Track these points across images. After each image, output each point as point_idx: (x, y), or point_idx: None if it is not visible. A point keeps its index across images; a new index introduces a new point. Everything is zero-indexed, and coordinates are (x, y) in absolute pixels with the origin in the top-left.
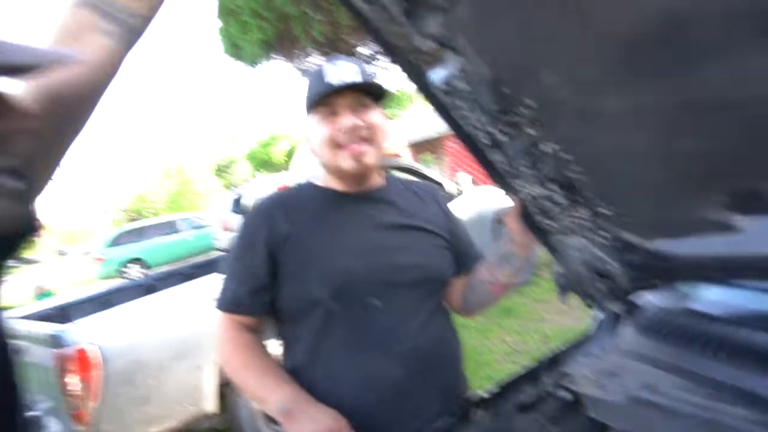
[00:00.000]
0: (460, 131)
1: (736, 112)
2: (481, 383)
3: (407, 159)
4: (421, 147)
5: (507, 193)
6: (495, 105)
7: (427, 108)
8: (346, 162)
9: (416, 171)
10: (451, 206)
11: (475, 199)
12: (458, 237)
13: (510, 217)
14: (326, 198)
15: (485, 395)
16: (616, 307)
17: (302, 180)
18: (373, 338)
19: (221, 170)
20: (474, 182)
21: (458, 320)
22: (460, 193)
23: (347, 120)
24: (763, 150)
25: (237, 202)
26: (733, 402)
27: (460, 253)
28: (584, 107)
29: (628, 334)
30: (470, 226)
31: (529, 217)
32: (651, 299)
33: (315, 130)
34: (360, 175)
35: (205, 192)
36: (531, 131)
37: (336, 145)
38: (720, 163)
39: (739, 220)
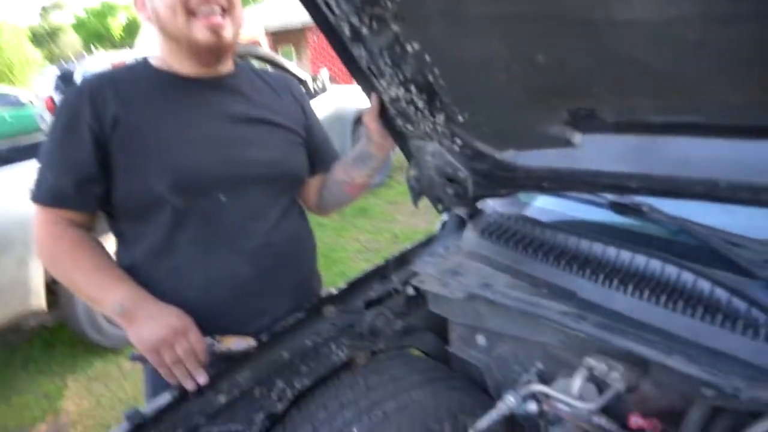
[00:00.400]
0: (321, 19)
1: (588, 33)
2: (333, 280)
3: (265, 48)
4: (281, 37)
5: (367, 93)
6: None
7: None
8: (201, 33)
9: (276, 62)
10: (313, 104)
11: (336, 98)
12: (314, 134)
13: (369, 117)
14: (166, 81)
15: (335, 291)
16: (462, 211)
17: (136, 58)
18: (220, 235)
19: (40, 39)
20: (334, 80)
21: (313, 218)
22: (322, 90)
23: None
24: (605, 74)
25: (66, 78)
26: (553, 298)
27: (316, 150)
28: (449, 8)
29: (470, 237)
30: (330, 126)
31: (388, 118)
32: (493, 205)
33: None
34: (216, 50)
35: (20, 63)
36: (395, 27)
37: (188, 11)
38: (566, 80)
39: (577, 136)
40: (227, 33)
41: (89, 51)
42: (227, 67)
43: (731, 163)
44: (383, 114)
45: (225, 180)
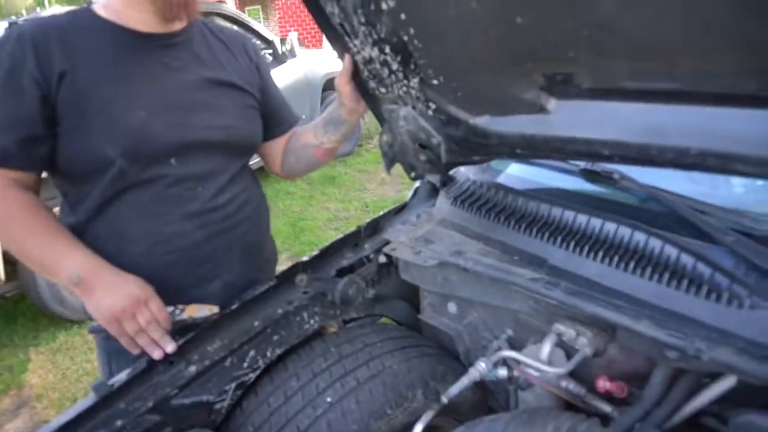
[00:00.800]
0: None
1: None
2: (302, 249)
3: (231, 7)
4: None
5: (340, 54)
6: None
7: None
8: None
9: (242, 23)
10: (281, 69)
11: (305, 63)
12: (269, 96)
13: (341, 80)
14: (117, 36)
15: (307, 259)
16: (434, 178)
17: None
18: (167, 198)
19: None
20: (304, 44)
21: (282, 187)
22: (291, 54)
23: None
24: (583, 37)
25: None
26: (524, 265)
27: (272, 113)
28: None
29: (442, 204)
30: (299, 92)
31: (361, 81)
32: (465, 173)
33: None
34: (183, 3)
35: None
36: None
37: None
38: (544, 43)
39: (551, 102)
40: None
41: (42, 5)
42: (181, 23)
43: (702, 131)
44: (356, 77)
45: (176, 146)
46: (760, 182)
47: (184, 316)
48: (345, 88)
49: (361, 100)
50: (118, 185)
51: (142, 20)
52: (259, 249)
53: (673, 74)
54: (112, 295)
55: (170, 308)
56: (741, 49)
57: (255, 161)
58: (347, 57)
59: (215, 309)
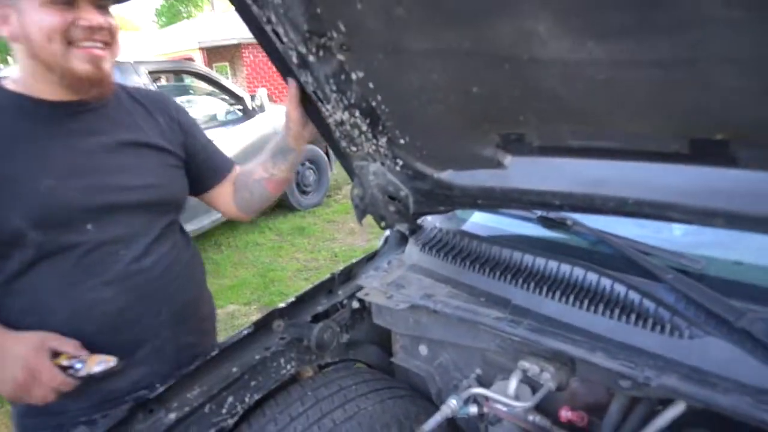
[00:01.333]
0: (269, 46)
1: (514, 68)
2: (272, 299)
3: (200, 64)
4: (216, 53)
5: (286, 79)
6: (306, 24)
7: (226, 12)
8: (80, 64)
9: (211, 79)
10: (251, 123)
11: (275, 118)
12: (197, 149)
13: (291, 104)
14: (25, 107)
15: (284, 306)
16: (404, 227)
17: None
18: (86, 265)
19: None
20: (272, 99)
21: (251, 238)
22: (261, 109)
23: (93, 17)
24: (529, 104)
25: None
26: (489, 306)
27: (204, 165)
28: (392, 41)
29: (412, 251)
30: (269, 143)
31: (312, 106)
32: (432, 221)
33: (33, 15)
34: (95, 81)
35: None
36: (340, 56)
37: (68, 41)
38: (497, 109)
39: (507, 158)
40: (107, 65)
41: (5, 62)
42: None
43: (637, 183)
44: (304, 101)
45: (91, 211)
46: (693, 227)
47: (84, 372)
48: (294, 113)
49: (308, 125)
50: (33, 256)
51: (53, 92)
52: (193, 308)
53: (608, 135)
54: (2, 376)
55: (72, 361)
56: (658, 116)
57: (217, 217)
58: (291, 81)
59: (111, 362)
